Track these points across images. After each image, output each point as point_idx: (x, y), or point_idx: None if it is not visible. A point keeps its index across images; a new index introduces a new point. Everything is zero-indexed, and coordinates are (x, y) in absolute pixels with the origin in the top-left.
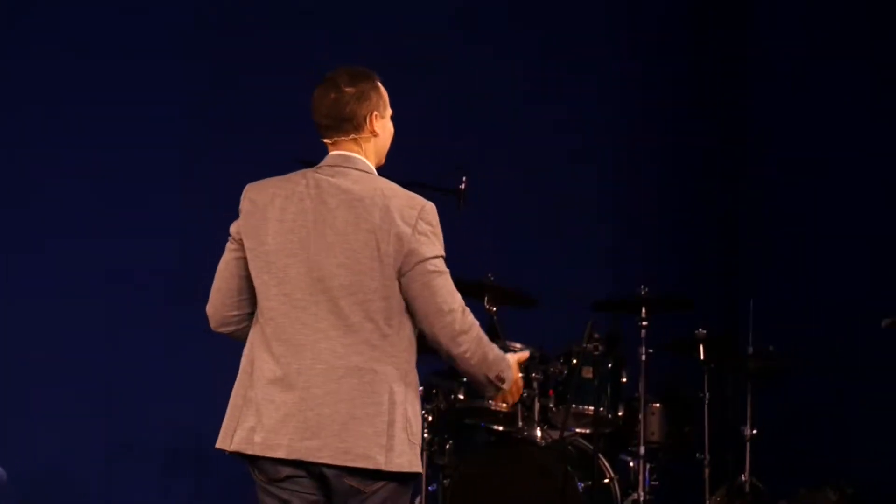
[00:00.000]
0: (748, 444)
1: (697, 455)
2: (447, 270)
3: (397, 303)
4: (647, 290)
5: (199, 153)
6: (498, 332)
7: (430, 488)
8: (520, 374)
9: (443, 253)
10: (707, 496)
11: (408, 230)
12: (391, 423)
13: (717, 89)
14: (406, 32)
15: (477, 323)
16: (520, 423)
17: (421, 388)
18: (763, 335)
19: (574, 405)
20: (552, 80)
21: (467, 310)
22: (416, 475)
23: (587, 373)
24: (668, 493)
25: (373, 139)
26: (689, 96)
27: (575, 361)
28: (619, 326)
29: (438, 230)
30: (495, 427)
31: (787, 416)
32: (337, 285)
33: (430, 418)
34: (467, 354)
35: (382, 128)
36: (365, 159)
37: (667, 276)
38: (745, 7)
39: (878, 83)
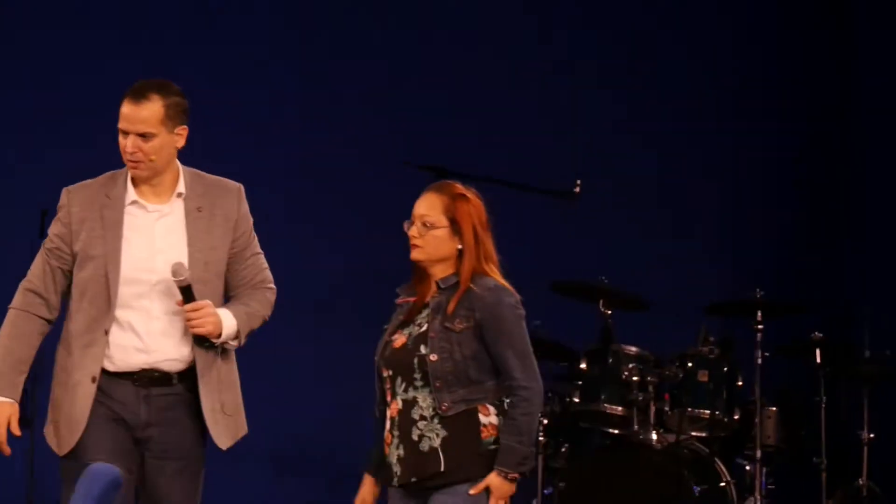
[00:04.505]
0: (865, 449)
1: (814, 459)
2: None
3: None
4: (762, 293)
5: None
6: (612, 335)
7: (545, 492)
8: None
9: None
10: (823, 500)
11: None
12: None
13: (827, 90)
14: (515, 34)
15: None
16: (635, 427)
17: None
18: (880, 339)
19: (689, 408)
20: (662, 85)
21: None
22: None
23: (702, 376)
24: (785, 498)
25: None
26: (798, 98)
27: (690, 365)
28: (733, 330)
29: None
30: (610, 430)
31: None
32: None
33: (545, 422)
34: None
35: None
36: None
37: (782, 279)
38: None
39: None
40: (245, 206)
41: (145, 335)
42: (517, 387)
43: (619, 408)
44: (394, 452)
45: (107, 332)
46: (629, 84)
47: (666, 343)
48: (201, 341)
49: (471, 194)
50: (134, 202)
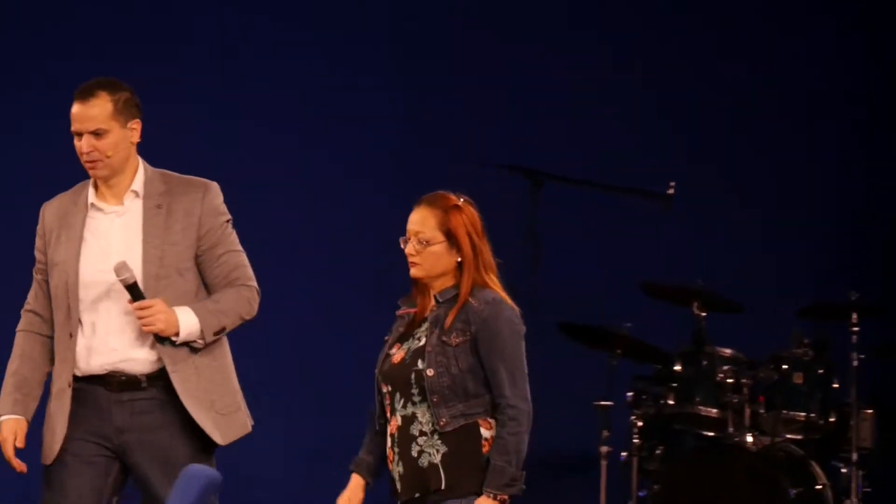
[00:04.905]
0: None
1: None
2: None
3: None
4: (857, 295)
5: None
6: (705, 337)
7: (640, 494)
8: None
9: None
10: None
11: None
12: None
13: None
14: (607, 36)
15: None
16: (730, 429)
17: (630, 394)
18: None
19: (784, 411)
20: (756, 87)
21: None
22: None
23: (798, 378)
24: (882, 501)
25: None
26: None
27: (785, 367)
28: (828, 332)
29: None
30: (705, 432)
31: None
32: None
33: (640, 424)
34: None
35: None
36: None
37: (878, 280)
38: None
39: None
40: (213, 203)
41: (104, 336)
42: (505, 405)
43: (714, 410)
44: (395, 469)
45: (72, 336)
46: (724, 86)
47: (759, 345)
48: (164, 340)
49: (463, 203)
50: (92, 205)
